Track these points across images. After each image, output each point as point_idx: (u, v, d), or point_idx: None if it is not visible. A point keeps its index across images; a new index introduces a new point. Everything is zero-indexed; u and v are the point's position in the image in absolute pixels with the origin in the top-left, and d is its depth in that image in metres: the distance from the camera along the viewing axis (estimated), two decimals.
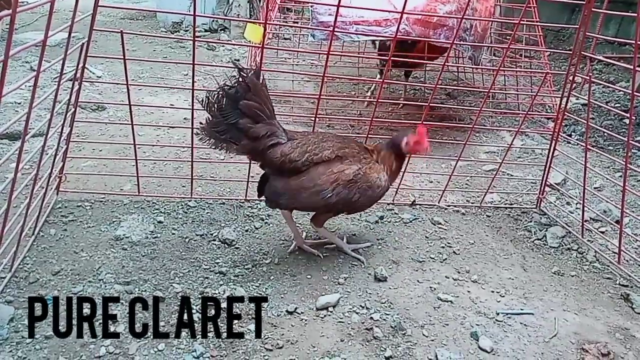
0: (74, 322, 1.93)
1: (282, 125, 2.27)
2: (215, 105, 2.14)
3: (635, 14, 2.12)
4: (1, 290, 2.04)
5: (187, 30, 7.76)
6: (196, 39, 2.41)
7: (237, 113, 2.12)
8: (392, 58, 2.74)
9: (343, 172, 2.19)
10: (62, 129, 2.41)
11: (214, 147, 2.21)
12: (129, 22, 8.26)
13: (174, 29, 7.82)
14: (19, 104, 4.06)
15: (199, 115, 2.30)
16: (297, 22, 6.39)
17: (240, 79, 2.10)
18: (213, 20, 7.77)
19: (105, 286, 2.15)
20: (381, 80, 2.72)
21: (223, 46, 6.86)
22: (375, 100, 2.74)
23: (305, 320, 2.07)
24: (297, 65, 5.66)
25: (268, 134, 2.17)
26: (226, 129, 2.15)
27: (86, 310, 1.99)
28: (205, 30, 7.72)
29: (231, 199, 2.92)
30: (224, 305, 2.09)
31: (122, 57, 2.38)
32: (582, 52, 2.66)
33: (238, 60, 6.33)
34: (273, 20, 4.90)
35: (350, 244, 2.57)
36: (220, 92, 2.12)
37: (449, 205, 3.11)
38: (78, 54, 2.32)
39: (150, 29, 7.89)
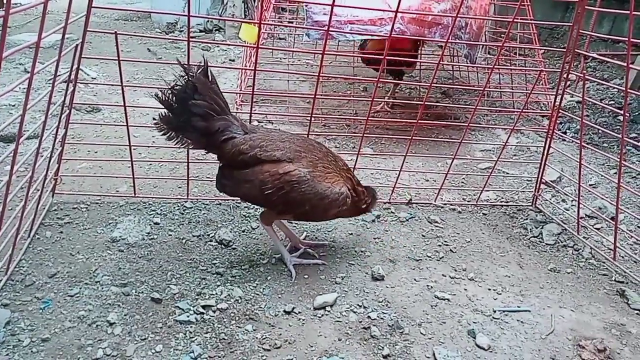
0: (71, 324, 1.93)
1: (239, 119, 2.27)
2: (167, 105, 2.15)
3: (629, 12, 2.13)
4: None
5: (181, 31, 7.74)
6: (191, 39, 2.41)
7: (188, 112, 2.12)
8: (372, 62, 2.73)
9: (288, 173, 2.12)
10: (57, 130, 2.40)
11: (169, 140, 2.22)
12: (123, 23, 8.23)
13: (169, 29, 7.80)
14: (13, 106, 4.04)
15: None
16: (292, 22, 6.39)
17: (188, 79, 2.10)
18: (208, 21, 7.75)
19: (102, 288, 2.14)
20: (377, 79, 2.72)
21: (218, 46, 6.85)
22: (373, 100, 2.74)
23: (303, 320, 2.07)
24: (292, 65, 5.66)
25: (221, 129, 2.17)
26: (179, 126, 2.16)
27: (83, 313, 1.99)
28: (200, 31, 7.71)
29: (228, 200, 2.91)
30: (221, 305, 2.08)
31: (117, 58, 2.37)
32: (576, 50, 2.67)
33: (234, 60, 6.32)
34: (268, 20, 4.90)
35: (303, 256, 2.44)
36: (169, 93, 2.12)
37: (445, 204, 3.11)
38: (72, 55, 2.31)
39: (145, 30, 7.87)
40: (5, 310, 1.95)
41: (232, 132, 2.19)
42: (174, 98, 2.12)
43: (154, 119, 2.19)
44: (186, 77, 2.10)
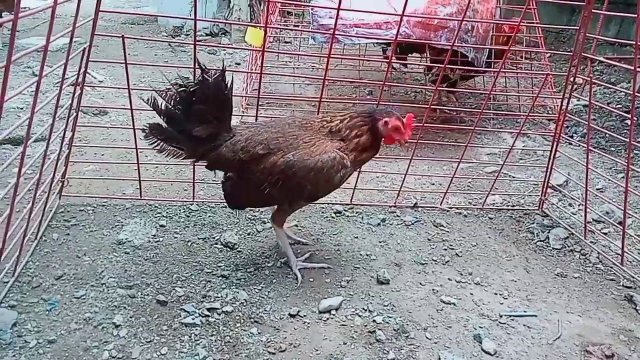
0: (77, 326, 1.93)
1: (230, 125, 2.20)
2: (166, 109, 2.04)
3: (636, 15, 2.12)
4: (4, 295, 2.05)
5: (188, 35, 7.78)
6: (197, 43, 2.42)
7: (189, 119, 2.03)
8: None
9: (275, 165, 2.08)
10: (64, 133, 2.41)
11: (160, 152, 2.14)
12: (130, 27, 8.28)
13: (175, 33, 7.84)
14: (22, 109, 4.07)
15: None
16: (297, 26, 6.41)
17: (204, 83, 1.99)
18: (214, 25, 7.79)
19: (108, 290, 2.15)
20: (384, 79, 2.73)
21: (224, 50, 6.88)
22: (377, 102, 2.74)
23: (308, 323, 2.07)
24: (297, 68, 5.67)
25: (212, 136, 2.10)
26: (174, 136, 2.08)
27: (89, 315, 1.99)
28: (206, 35, 7.74)
29: None
30: (226, 308, 2.08)
31: (124, 61, 2.39)
32: (583, 53, 2.66)
33: (239, 64, 6.35)
34: (274, 24, 4.91)
35: (310, 260, 2.44)
36: (174, 95, 2.01)
37: (450, 208, 3.10)
38: (79, 58, 2.33)
39: (151, 34, 7.91)
40: (12, 311, 1.96)
41: (222, 140, 2.13)
42: (179, 101, 2.02)
43: (143, 131, 2.10)
44: (202, 81, 1.99)
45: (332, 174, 2.11)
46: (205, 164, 2.23)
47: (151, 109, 2.04)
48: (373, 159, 2.23)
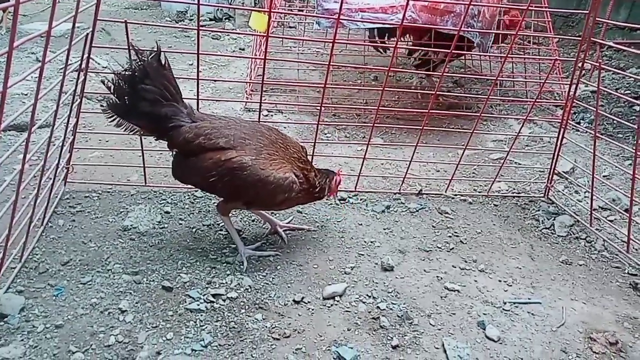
0: (84, 311, 1.95)
1: (189, 106, 2.26)
2: (117, 89, 2.13)
3: None
4: (12, 281, 2.07)
5: (191, 20, 7.72)
6: (201, 28, 2.40)
7: (137, 97, 2.12)
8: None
9: (230, 160, 2.13)
10: (68, 119, 2.41)
11: (118, 127, 2.22)
12: (133, 12, 8.23)
13: (179, 18, 7.78)
14: (26, 95, 4.07)
15: (204, 104, 2.30)
16: (302, 10, 6.34)
17: (140, 63, 2.09)
18: (218, 9, 7.71)
19: (114, 276, 2.16)
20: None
21: (228, 35, 6.82)
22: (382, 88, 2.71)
23: (312, 309, 2.08)
24: (302, 53, 5.62)
25: (169, 116, 2.17)
26: (127, 111, 2.16)
27: (95, 300, 2.01)
28: (210, 20, 7.68)
29: None
30: (231, 294, 2.10)
31: (127, 47, 2.37)
32: (592, 38, 2.62)
33: (244, 49, 6.30)
34: (278, 9, 4.86)
35: (260, 250, 2.42)
36: (119, 77, 2.11)
37: (455, 195, 3.09)
38: (83, 44, 2.32)
39: (155, 19, 7.86)
40: (19, 296, 1.99)
41: (180, 120, 2.19)
42: (124, 82, 2.11)
43: (101, 105, 2.20)
44: (139, 61, 2.10)
45: (278, 192, 2.20)
46: (167, 142, 2.28)
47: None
48: (379, 145, 2.21)
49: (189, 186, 2.90)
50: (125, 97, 2.13)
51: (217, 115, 2.43)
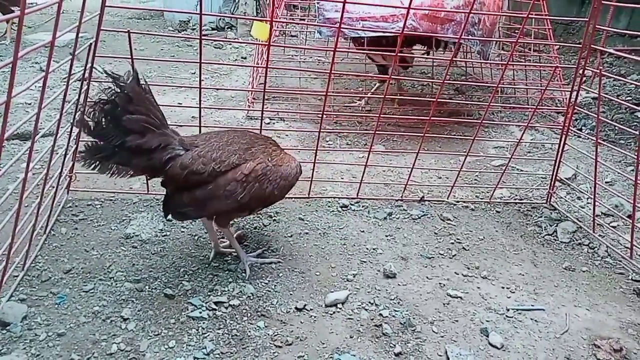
0: (86, 319, 1.95)
1: (174, 131, 2.09)
2: (95, 126, 1.86)
3: None
4: (14, 289, 2.07)
5: (194, 29, 7.79)
6: (203, 37, 2.42)
7: (122, 131, 1.86)
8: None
9: (253, 170, 2.09)
10: (71, 128, 2.43)
11: (101, 172, 1.96)
12: (136, 22, 8.30)
13: (181, 27, 7.85)
14: (29, 104, 4.10)
15: (207, 113, 2.31)
16: (303, 19, 6.38)
17: (118, 90, 1.84)
18: (220, 19, 7.78)
19: (116, 284, 2.16)
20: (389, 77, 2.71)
21: (230, 44, 6.87)
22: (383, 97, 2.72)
23: (314, 317, 2.07)
24: (304, 62, 5.66)
25: (162, 146, 1.97)
26: (112, 152, 1.89)
27: (97, 308, 2.01)
28: (212, 29, 7.74)
29: None
30: (233, 302, 2.10)
31: (130, 56, 2.39)
32: (592, 45, 2.63)
33: (245, 58, 6.34)
34: (279, 18, 4.89)
35: (262, 257, 2.40)
36: (97, 109, 1.84)
37: (458, 201, 3.09)
38: (86, 54, 2.34)
39: (158, 28, 7.93)
40: (22, 305, 1.99)
41: (175, 150, 2.01)
42: (104, 117, 1.84)
43: (78, 154, 1.89)
44: (117, 88, 1.83)
45: (294, 182, 2.26)
46: (161, 179, 2.11)
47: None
48: (380, 152, 2.21)
49: None
50: (109, 135, 1.87)
51: (200, 134, 2.32)
